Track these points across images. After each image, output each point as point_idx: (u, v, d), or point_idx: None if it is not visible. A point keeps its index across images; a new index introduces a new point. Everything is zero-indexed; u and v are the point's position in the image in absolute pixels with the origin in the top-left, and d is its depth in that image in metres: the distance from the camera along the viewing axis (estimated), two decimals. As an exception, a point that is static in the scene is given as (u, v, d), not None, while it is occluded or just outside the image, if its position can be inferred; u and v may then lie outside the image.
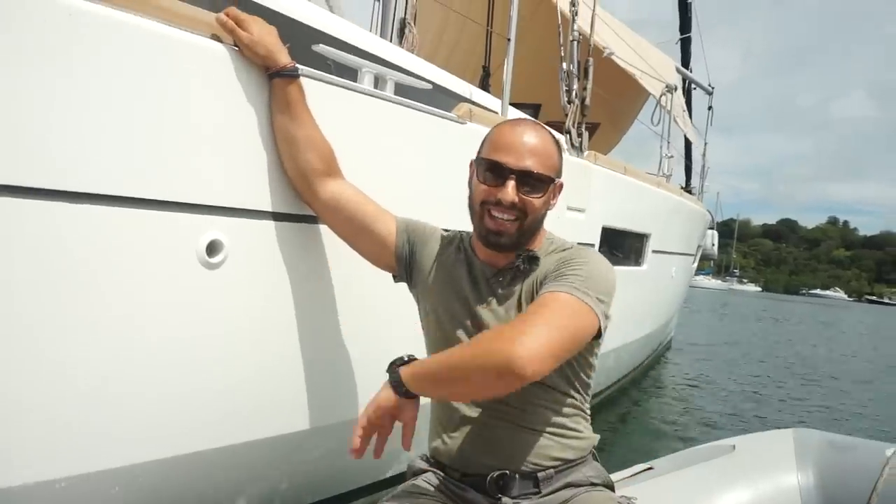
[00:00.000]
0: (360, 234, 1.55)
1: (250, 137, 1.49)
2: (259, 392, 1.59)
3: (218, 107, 1.43)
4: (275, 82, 1.48)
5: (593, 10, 3.28)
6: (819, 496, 1.80)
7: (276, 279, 1.57)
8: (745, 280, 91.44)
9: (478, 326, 1.38)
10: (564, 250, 1.39)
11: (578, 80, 3.07)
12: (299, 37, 1.77)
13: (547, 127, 1.45)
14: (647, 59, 5.49)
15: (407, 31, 4.08)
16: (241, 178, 1.48)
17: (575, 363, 1.36)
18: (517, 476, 1.32)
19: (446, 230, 1.56)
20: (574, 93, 2.98)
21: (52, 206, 1.19)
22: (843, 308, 56.73)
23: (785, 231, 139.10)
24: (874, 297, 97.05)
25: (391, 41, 3.59)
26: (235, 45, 1.45)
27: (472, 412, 1.38)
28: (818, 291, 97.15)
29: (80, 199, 1.22)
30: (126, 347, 1.33)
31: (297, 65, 1.49)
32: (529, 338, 1.13)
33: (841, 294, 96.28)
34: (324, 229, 1.64)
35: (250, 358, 1.56)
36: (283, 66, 1.47)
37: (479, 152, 1.41)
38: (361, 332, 1.80)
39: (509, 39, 2.45)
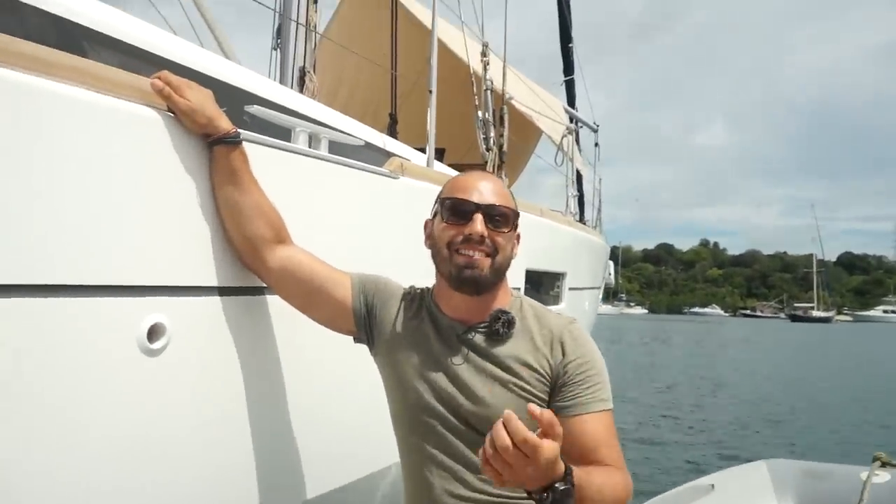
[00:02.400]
0: (313, 300, 1.47)
1: (190, 209, 1.37)
2: (215, 484, 1.45)
3: (154, 178, 1.31)
4: (216, 150, 1.38)
5: (504, 62, 3.38)
6: None
7: (223, 357, 1.45)
8: (632, 303, 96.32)
9: (456, 388, 1.33)
10: (543, 317, 1.39)
11: (495, 127, 3.13)
12: (229, 98, 1.68)
13: (491, 175, 1.48)
14: (543, 100, 5.72)
15: (307, 80, 4.03)
16: (182, 253, 1.36)
17: None
18: None
19: (408, 287, 1.51)
20: (492, 140, 3.03)
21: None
22: (721, 323, 60.91)
23: (663, 254, 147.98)
24: (747, 311, 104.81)
25: (292, 88, 3.53)
26: (170, 111, 1.35)
27: (448, 487, 1.32)
28: (698, 309, 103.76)
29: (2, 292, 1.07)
30: (67, 448, 1.16)
31: (238, 129, 1.41)
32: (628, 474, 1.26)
33: (718, 311, 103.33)
34: (273, 299, 1.54)
35: (205, 447, 1.42)
36: (225, 133, 1.37)
37: (438, 201, 1.41)
38: (323, 403, 1.70)
39: (430, 91, 2.46)
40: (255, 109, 1.67)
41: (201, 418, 1.42)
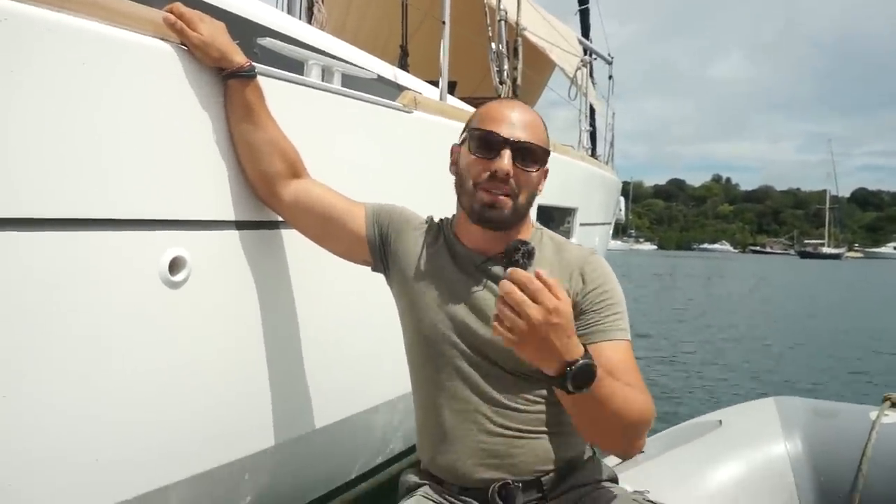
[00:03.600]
0: (328, 231, 1.46)
1: (206, 143, 1.38)
2: (234, 411, 1.51)
3: (170, 112, 1.32)
4: (230, 84, 1.37)
5: (518, -7, 3.29)
6: (809, 465, 1.84)
7: (243, 290, 1.48)
8: (642, 239, 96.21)
9: (473, 317, 1.30)
10: (563, 248, 1.36)
11: (508, 59, 3.07)
12: (240, 30, 1.66)
13: (526, 106, 1.38)
14: (557, 32, 5.57)
15: (315, 10, 3.94)
16: (200, 187, 1.38)
17: None
18: (520, 485, 1.26)
19: (426, 217, 1.48)
20: (505, 73, 2.98)
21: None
22: (731, 259, 60.86)
23: (674, 190, 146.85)
24: (757, 248, 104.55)
25: (300, 20, 3.46)
26: (183, 45, 1.34)
27: (464, 422, 1.30)
28: (707, 245, 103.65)
29: (24, 226, 1.10)
30: (93, 378, 1.21)
31: (253, 63, 1.40)
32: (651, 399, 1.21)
33: (728, 247, 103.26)
34: (289, 233, 1.56)
35: (223, 377, 1.47)
36: (239, 67, 1.36)
37: (467, 129, 1.35)
38: (337, 335, 1.75)
39: (444, 22, 2.41)
40: (267, 42, 1.65)
41: (221, 348, 1.47)
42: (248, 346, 1.53)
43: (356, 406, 1.95)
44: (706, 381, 6.74)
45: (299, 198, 1.44)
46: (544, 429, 1.29)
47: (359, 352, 1.89)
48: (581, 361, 1.04)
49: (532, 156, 1.29)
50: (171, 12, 1.32)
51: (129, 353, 1.28)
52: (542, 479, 1.27)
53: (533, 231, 1.39)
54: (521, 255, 1.23)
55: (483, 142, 1.28)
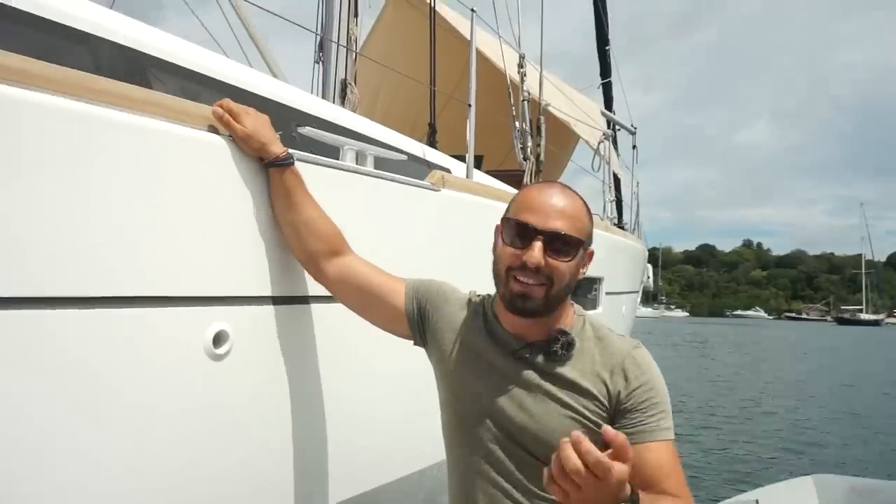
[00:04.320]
0: (369, 304, 1.51)
1: (248, 224, 1.49)
2: (274, 479, 1.56)
3: (217, 197, 1.43)
4: (271, 172, 1.49)
5: (541, 73, 3.45)
6: None
7: (281, 363, 1.56)
8: (673, 306, 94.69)
9: (508, 402, 1.30)
10: (606, 340, 1.33)
11: (532, 137, 3.19)
12: (282, 117, 1.79)
13: (575, 191, 1.37)
14: (579, 106, 5.75)
15: (349, 92, 4.15)
16: (242, 266, 1.48)
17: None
18: None
19: (469, 292, 1.50)
20: (528, 149, 3.10)
21: (56, 314, 1.16)
22: (765, 326, 59.45)
23: (704, 256, 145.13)
24: (792, 314, 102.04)
25: (333, 102, 3.65)
26: (230, 135, 1.46)
27: None
28: (740, 312, 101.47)
29: (82, 304, 1.20)
30: (141, 448, 1.28)
31: (290, 151, 1.52)
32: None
33: (762, 313, 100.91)
34: (321, 308, 1.64)
35: (263, 445, 1.53)
36: (277, 156, 1.48)
37: (505, 214, 1.35)
38: (372, 406, 1.80)
39: (470, 105, 2.54)
40: (307, 131, 1.78)
41: (262, 418, 1.53)
42: (285, 415, 1.58)
43: (392, 474, 1.98)
44: (739, 455, 6.53)
45: (342, 273, 1.51)
46: None
47: (395, 422, 1.93)
48: None
49: (566, 246, 1.26)
50: (221, 107, 1.45)
51: (176, 423, 1.35)
52: None
53: (575, 319, 1.36)
54: (560, 346, 1.28)
55: (515, 232, 1.28)
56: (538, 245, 1.25)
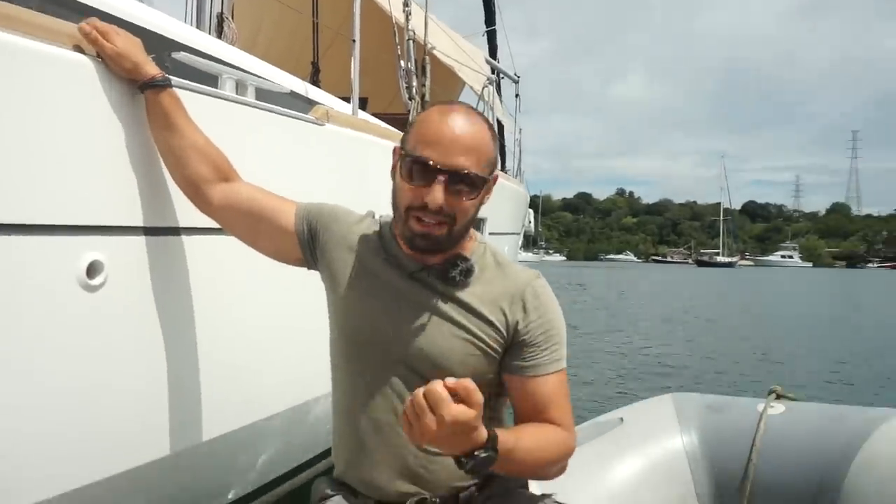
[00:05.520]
0: (259, 229, 1.42)
1: (122, 151, 1.42)
2: (151, 412, 1.54)
3: (86, 122, 1.35)
4: (147, 95, 1.42)
5: (426, 13, 3.43)
6: (704, 457, 1.96)
7: (158, 294, 1.52)
8: (551, 251, 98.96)
9: (400, 323, 1.26)
10: (506, 269, 1.31)
11: (417, 77, 3.20)
12: (154, 46, 1.70)
13: (479, 113, 1.28)
14: (465, 51, 5.77)
15: (225, 26, 3.95)
16: (115, 194, 1.42)
17: (492, 374, 1.28)
18: (437, 500, 1.25)
19: (366, 213, 1.43)
20: (414, 90, 3.11)
21: None
22: (634, 268, 63.55)
23: (581, 203, 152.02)
24: (658, 257, 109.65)
25: (210, 34, 3.48)
26: (99, 57, 1.38)
27: (383, 433, 1.26)
28: (613, 256, 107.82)
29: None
30: (11, 382, 1.23)
31: (167, 75, 1.45)
32: (574, 430, 1.30)
33: (631, 257, 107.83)
34: (206, 239, 1.61)
35: (139, 378, 1.50)
36: (151, 77, 1.41)
37: (403, 142, 1.24)
38: (253, 336, 1.80)
39: (354, 40, 2.51)
40: (181, 56, 1.70)
41: (138, 350, 1.50)
42: (162, 347, 1.55)
43: (274, 407, 1.99)
44: (610, 380, 7.10)
45: (229, 199, 1.42)
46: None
47: (282, 349, 1.94)
48: (472, 461, 1.05)
49: (470, 186, 1.18)
50: (88, 24, 1.36)
51: (50, 354, 1.30)
52: (460, 494, 1.27)
53: (475, 245, 1.32)
54: (458, 272, 1.24)
55: (414, 168, 1.18)
56: (439, 186, 1.16)
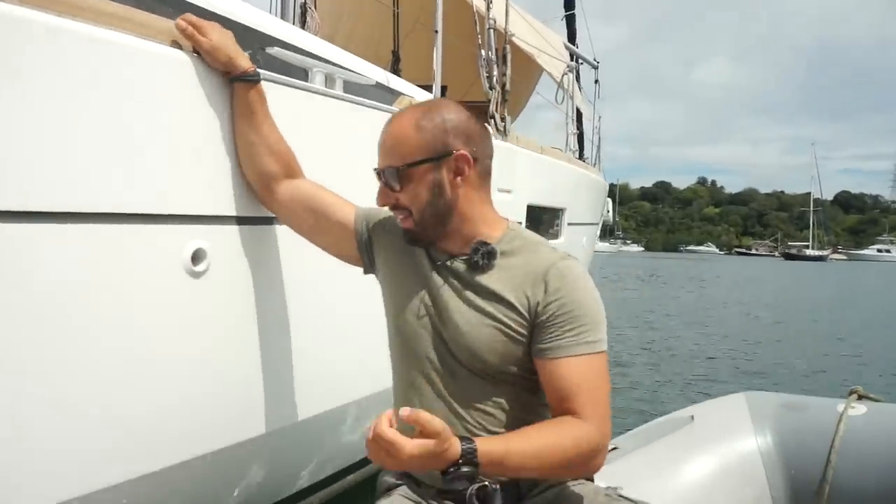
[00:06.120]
0: (318, 229, 1.50)
1: (220, 143, 1.49)
2: (251, 392, 1.62)
3: (186, 115, 1.43)
4: (236, 87, 1.48)
5: (507, 2, 3.41)
6: (780, 458, 1.89)
7: (256, 281, 1.59)
8: (629, 241, 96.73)
9: (436, 314, 1.30)
10: (534, 251, 1.30)
11: (497, 66, 3.19)
12: (247, 40, 1.76)
13: (417, 107, 1.34)
14: (543, 37, 5.70)
15: (308, 17, 4.04)
16: (215, 185, 1.49)
17: (527, 362, 1.27)
18: (498, 487, 1.22)
19: None
20: (494, 79, 3.10)
21: (32, 228, 1.17)
22: (716, 261, 61.35)
23: (660, 193, 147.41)
24: (742, 249, 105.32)
25: (294, 25, 3.56)
26: (195, 52, 1.44)
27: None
28: (693, 247, 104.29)
29: (58, 218, 1.20)
30: (120, 364, 1.32)
31: (258, 69, 1.51)
32: (605, 423, 1.20)
33: (713, 249, 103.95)
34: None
35: (241, 360, 1.58)
36: (244, 71, 1.47)
37: None
38: (339, 327, 1.85)
39: (437, 31, 2.52)
40: (275, 51, 1.75)
41: (239, 335, 1.58)
42: (266, 331, 1.63)
43: (349, 397, 2.05)
44: (684, 377, 6.90)
45: (292, 195, 1.51)
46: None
47: (359, 340, 1.99)
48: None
49: (395, 180, 1.28)
50: (184, 20, 1.43)
51: (156, 341, 1.39)
52: (520, 482, 1.26)
53: (506, 231, 1.34)
54: (480, 255, 1.27)
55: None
56: (380, 187, 1.32)
